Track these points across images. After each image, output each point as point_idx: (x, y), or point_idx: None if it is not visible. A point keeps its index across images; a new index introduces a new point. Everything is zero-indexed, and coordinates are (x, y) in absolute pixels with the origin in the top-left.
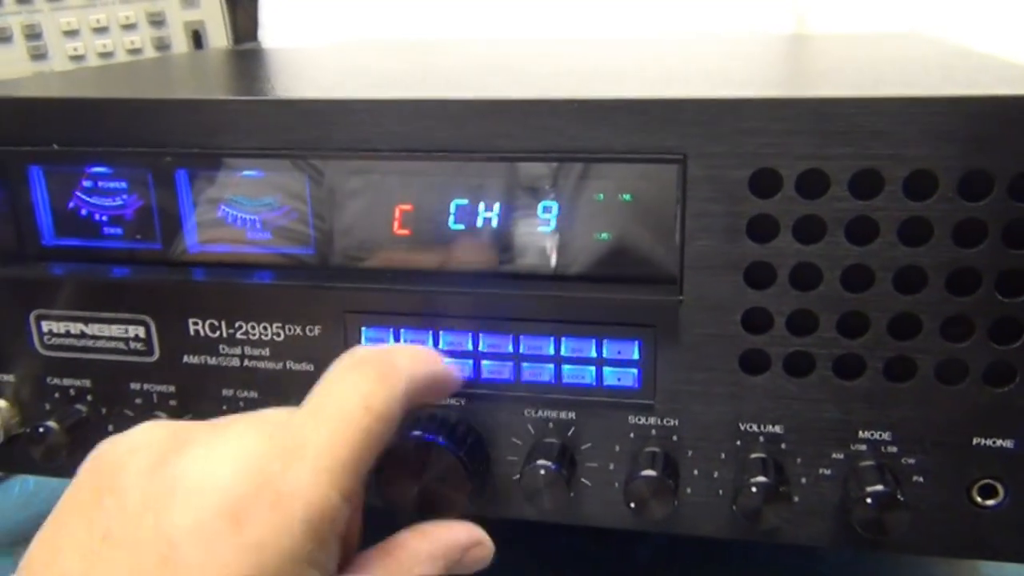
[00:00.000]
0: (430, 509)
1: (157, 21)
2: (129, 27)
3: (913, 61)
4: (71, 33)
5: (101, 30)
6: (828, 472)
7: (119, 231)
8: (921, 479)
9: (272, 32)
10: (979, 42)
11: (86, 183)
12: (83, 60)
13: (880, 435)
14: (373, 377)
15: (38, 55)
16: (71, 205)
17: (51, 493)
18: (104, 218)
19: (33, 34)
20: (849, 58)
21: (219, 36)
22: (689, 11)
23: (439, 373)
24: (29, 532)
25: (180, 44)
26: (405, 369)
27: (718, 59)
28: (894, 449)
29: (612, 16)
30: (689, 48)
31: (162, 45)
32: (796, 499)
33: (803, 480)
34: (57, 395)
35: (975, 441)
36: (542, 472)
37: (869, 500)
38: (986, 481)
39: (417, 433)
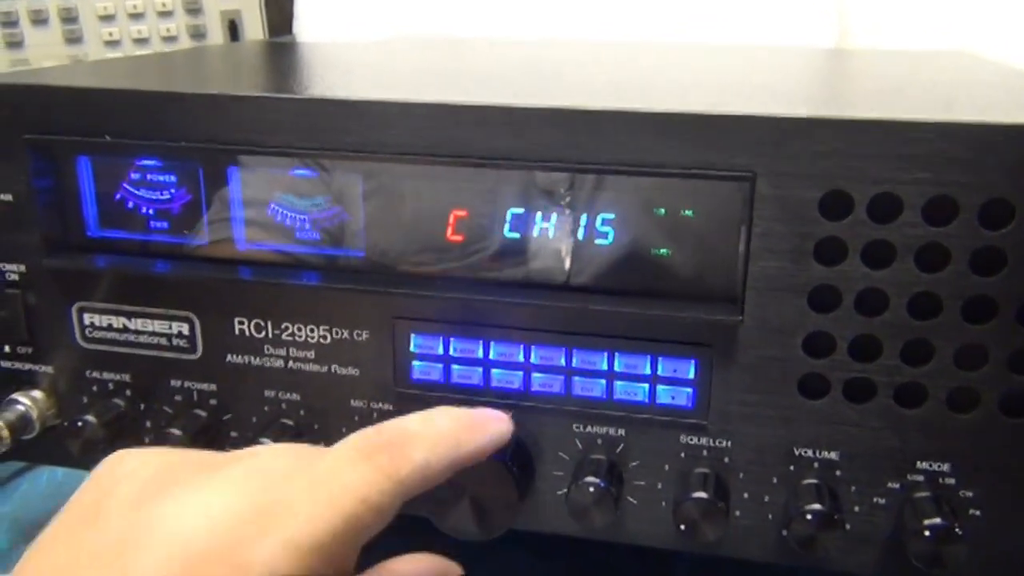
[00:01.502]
0: (478, 518)
1: (193, 9)
2: (165, 14)
3: (975, 83)
4: (107, 18)
5: (137, 16)
6: (882, 501)
7: (165, 225)
8: (978, 512)
9: (306, 24)
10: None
11: (134, 175)
12: (118, 46)
13: (939, 466)
14: (383, 471)
15: (73, 39)
16: (118, 197)
17: (79, 484)
18: (151, 211)
19: (69, 17)
20: (909, 78)
21: (255, 26)
22: (731, 21)
23: (469, 451)
24: None
25: (215, 33)
26: (419, 462)
27: (774, 72)
28: (952, 481)
29: (652, 21)
30: (741, 60)
31: (197, 33)
32: (848, 527)
33: (856, 508)
34: (95, 388)
35: None
36: (591, 489)
37: (927, 533)
38: None
39: None
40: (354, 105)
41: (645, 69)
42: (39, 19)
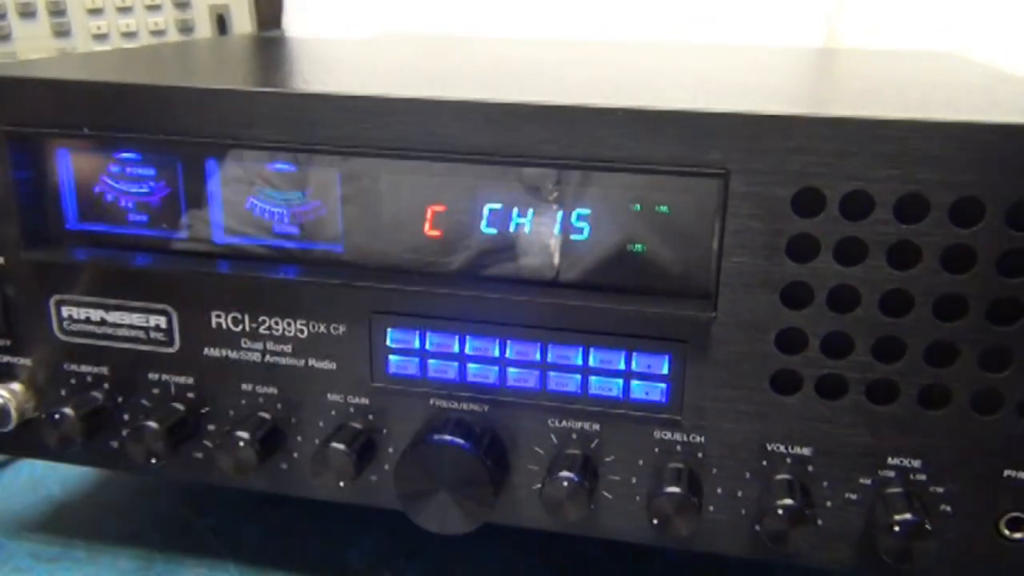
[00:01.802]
0: (453, 512)
1: (182, 3)
2: (153, 8)
3: (956, 84)
4: (95, 11)
5: (125, 10)
6: (854, 497)
7: (144, 218)
8: (949, 509)
9: (295, 19)
10: (1005, 61)
11: (113, 168)
12: (106, 39)
13: (910, 462)
14: None
15: (61, 32)
16: (97, 190)
17: (60, 477)
18: (130, 204)
19: (57, 11)
20: (891, 77)
21: (243, 21)
22: (720, 20)
23: None
24: (37, 516)
25: (204, 27)
26: None
27: (756, 71)
28: (923, 477)
29: (639, 21)
30: (724, 58)
31: (186, 27)
32: (820, 522)
33: (828, 504)
34: (73, 381)
35: (1006, 473)
36: (565, 484)
37: (897, 528)
38: (1015, 514)
39: (440, 436)
40: (332, 99)
41: (625, 67)
42: (27, 12)
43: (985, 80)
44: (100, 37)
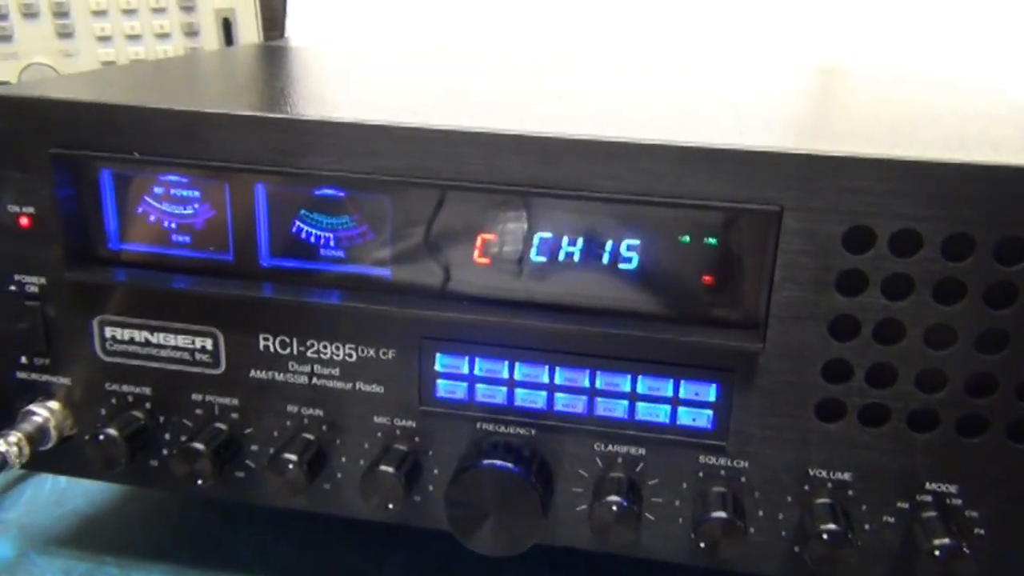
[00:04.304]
0: (503, 535)
1: (187, 7)
2: (159, 11)
3: (988, 118)
4: (99, 13)
5: (130, 12)
6: (892, 520)
7: (187, 239)
8: (982, 531)
9: (299, 23)
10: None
11: (157, 189)
12: (110, 41)
13: (947, 487)
14: None
15: (64, 34)
16: (140, 210)
17: (84, 491)
18: (173, 225)
19: (61, 12)
20: (919, 107)
21: (249, 25)
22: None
23: None
24: (65, 531)
25: (209, 31)
26: None
27: (785, 97)
28: (959, 502)
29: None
30: (754, 84)
31: (191, 31)
32: (859, 544)
33: (866, 527)
34: (114, 401)
35: None
36: (614, 508)
37: (938, 553)
38: None
39: (492, 461)
40: (387, 130)
41: (665, 95)
42: (30, 12)
43: (1012, 113)
44: (104, 39)
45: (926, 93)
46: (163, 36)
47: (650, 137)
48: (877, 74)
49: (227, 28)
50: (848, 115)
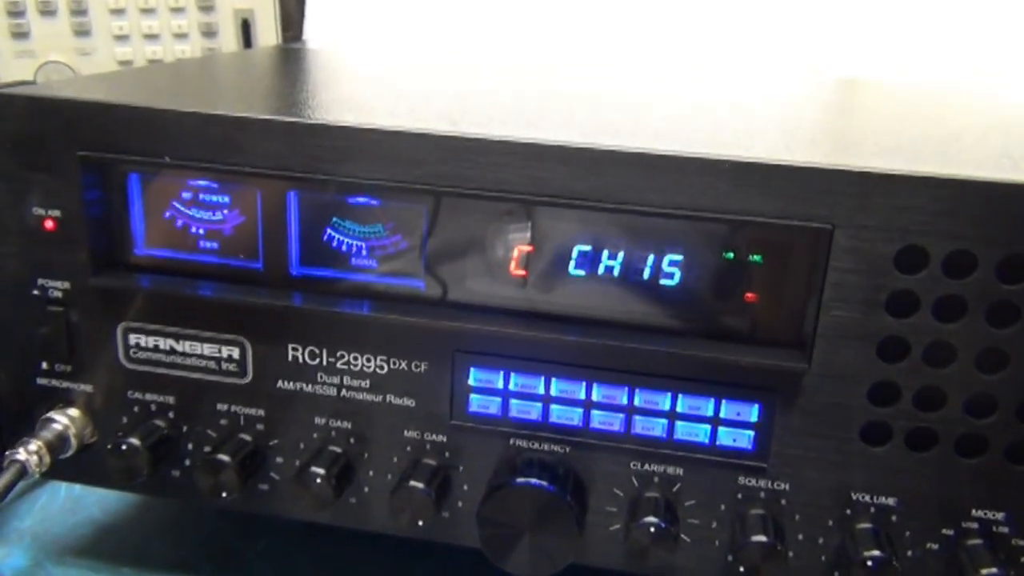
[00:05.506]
0: (539, 555)
1: (206, 7)
2: (177, 10)
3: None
4: (117, 12)
5: (148, 11)
6: (936, 547)
7: (215, 246)
8: None
9: (316, 25)
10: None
11: (185, 195)
12: (127, 40)
13: (993, 515)
14: None
15: (81, 31)
16: (168, 215)
17: (99, 498)
18: (201, 231)
19: (79, 10)
20: (960, 121)
21: (268, 26)
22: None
23: None
24: (80, 540)
25: (227, 31)
26: None
27: (822, 111)
28: (1006, 529)
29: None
30: (777, 95)
31: (209, 32)
32: (901, 571)
33: (909, 553)
34: (137, 409)
35: None
36: (652, 530)
37: None
38: None
39: (527, 480)
40: (427, 138)
41: (703, 106)
42: (47, 10)
43: None
44: (121, 39)
45: (961, 107)
46: (181, 36)
47: (699, 151)
48: (899, 85)
49: (245, 29)
50: (889, 130)
